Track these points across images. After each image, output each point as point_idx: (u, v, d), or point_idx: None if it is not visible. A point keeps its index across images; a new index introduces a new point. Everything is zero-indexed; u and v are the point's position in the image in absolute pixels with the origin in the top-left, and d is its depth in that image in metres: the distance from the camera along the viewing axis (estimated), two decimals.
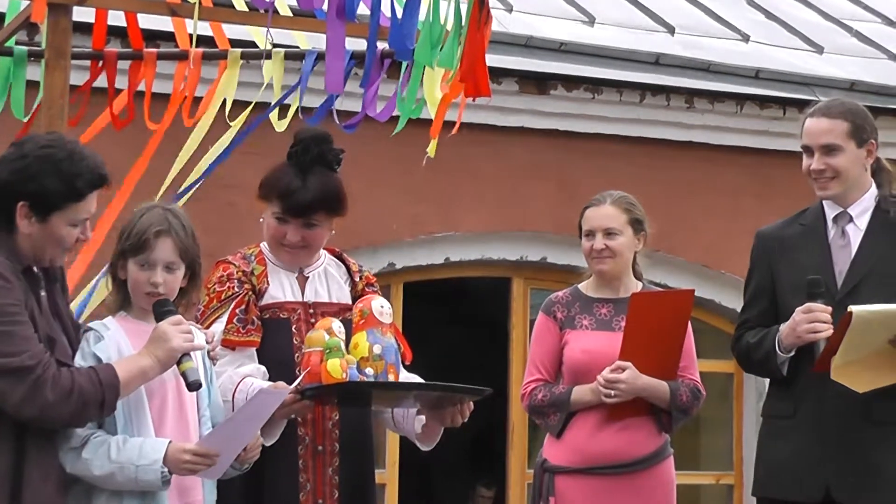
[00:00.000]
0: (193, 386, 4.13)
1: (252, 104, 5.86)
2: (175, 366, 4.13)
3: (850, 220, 5.09)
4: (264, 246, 4.83)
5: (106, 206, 5.42)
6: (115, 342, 4.18)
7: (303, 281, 4.80)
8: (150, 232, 4.20)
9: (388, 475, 8.68)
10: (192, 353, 4.15)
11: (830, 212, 5.12)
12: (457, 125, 5.53)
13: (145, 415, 4.15)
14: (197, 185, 5.74)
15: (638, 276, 5.62)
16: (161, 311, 4.17)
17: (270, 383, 4.51)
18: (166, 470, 4.07)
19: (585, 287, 5.59)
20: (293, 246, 4.74)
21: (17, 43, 5.80)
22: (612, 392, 5.29)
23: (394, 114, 5.73)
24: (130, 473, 4.05)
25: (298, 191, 4.68)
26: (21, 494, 3.94)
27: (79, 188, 4.02)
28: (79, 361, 4.12)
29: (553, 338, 5.51)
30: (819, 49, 10.11)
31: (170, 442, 4.10)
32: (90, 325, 4.26)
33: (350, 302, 4.79)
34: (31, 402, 3.90)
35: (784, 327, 4.96)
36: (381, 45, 5.47)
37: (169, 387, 4.22)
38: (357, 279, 4.88)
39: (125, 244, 4.24)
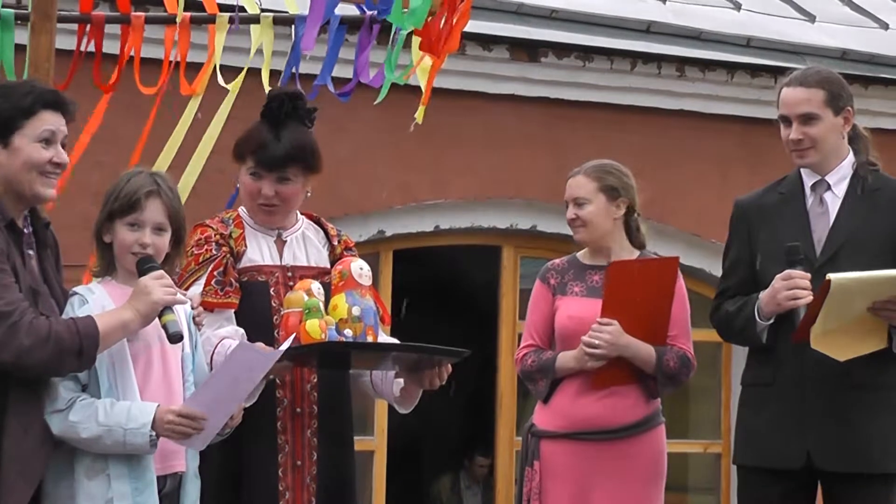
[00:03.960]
0: (174, 338, 4.13)
1: (245, 69, 5.83)
2: (157, 319, 4.13)
3: (828, 187, 5.10)
4: (242, 210, 4.84)
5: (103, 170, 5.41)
6: (99, 305, 4.18)
7: (281, 245, 4.80)
8: (140, 192, 4.23)
9: (376, 443, 8.68)
10: (174, 309, 4.16)
11: (808, 180, 5.13)
12: (427, 92, 5.51)
13: (130, 378, 4.16)
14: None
15: (638, 244, 5.61)
16: (144, 267, 4.19)
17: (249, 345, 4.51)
18: (154, 434, 4.08)
19: (583, 255, 5.64)
20: (268, 202, 4.73)
21: (4, 6, 5.77)
22: (596, 342, 5.28)
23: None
24: (118, 437, 4.06)
25: (271, 144, 4.70)
26: (1, 445, 3.96)
27: (28, 104, 4.12)
28: None
29: (546, 304, 5.55)
30: (811, 17, 10.09)
31: (158, 405, 4.10)
32: (75, 289, 4.27)
33: (328, 266, 4.79)
34: (5, 347, 3.92)
35: (764, 295, 4.97)
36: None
37: (154, 351, 4.22)
38: (335, 243, 4.89)
39: (113, 205, 4.24)
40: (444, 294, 11.24)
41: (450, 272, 10.95)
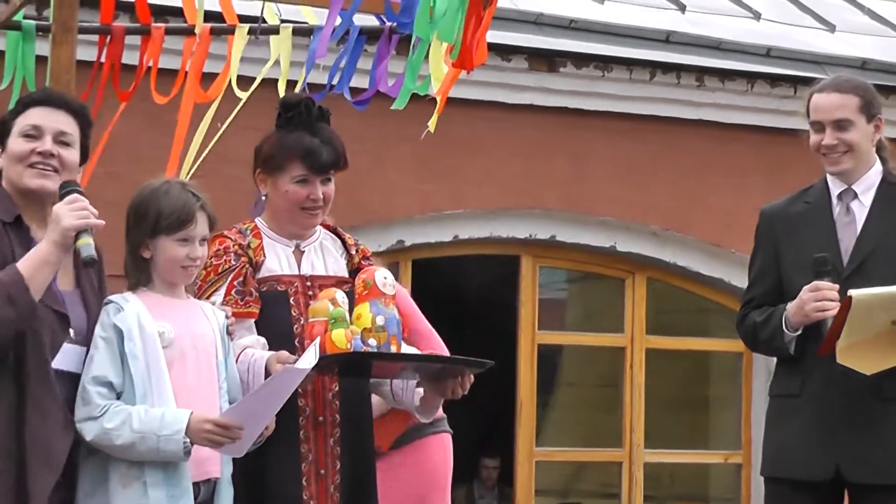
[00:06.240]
0: (87, 262, 4.07)
1: (259, 79, 5.84)
2: (155, 325, 4.15)
3: (855, 196, 5.07)
4: (259, 221, 4.85)
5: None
6: (134, 312, 4.18)
7: (299, 255, 4.81)
8: (193, 208, 4.27)
9: None
10: (92, 232, 4.09)
11: (835, 188, 5.10)
12: (442, 101, 5.52)
13: (165, 385, 4.15)
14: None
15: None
16: (63, 192, 4.13)
17: (272, 353, 4.52)
18: (188, 440, 4.07)
19: None
20: (316, 205, 4.76)
21: (25, 17, 5.79)
22: None
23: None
24: (152, 443, 4.05)
25: (320, 148, 4.71)
26: (23, 433, 3.99)
27: (19, 107, 4.27)
28: (98, 332, 4.14)
29: None
30: (831, 27, 10.08)
31: (192, 412, 4.10)
32: (110, 297, 4.27)
33: (346, 275, 4.80)
34: None
35: (791, 306, 4.95)
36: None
37: (188, 358, 4.22)
38: (353, 252, 4.90)
39: (162, 222, 4.24)
40: (462, 303, 11.23)
41: (469, 282, 10.95)
